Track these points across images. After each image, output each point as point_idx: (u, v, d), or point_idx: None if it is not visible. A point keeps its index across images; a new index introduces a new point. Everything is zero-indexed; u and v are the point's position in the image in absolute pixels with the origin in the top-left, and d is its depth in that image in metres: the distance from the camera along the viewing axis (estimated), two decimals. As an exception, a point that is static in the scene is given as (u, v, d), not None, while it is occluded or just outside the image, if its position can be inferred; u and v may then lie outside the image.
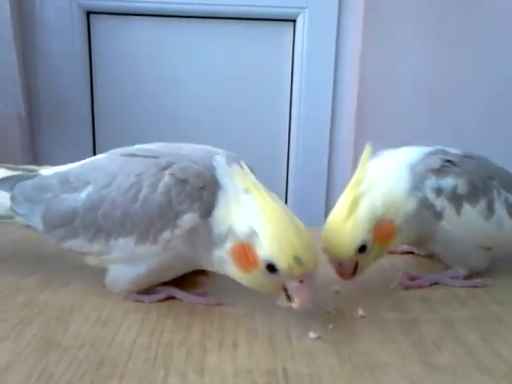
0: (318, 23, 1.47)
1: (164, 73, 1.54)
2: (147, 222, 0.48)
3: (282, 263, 0.44)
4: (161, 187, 0.48)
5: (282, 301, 0.48)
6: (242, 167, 0.49)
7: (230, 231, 0.47)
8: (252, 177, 0.48)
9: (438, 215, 0.56)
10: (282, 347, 0.46)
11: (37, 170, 0.59)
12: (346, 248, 0.51)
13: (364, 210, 0.51)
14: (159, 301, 0.53)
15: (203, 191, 0.48)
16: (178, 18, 1.48)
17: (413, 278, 0.61)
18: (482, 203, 0.57)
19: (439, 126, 1.29)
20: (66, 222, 0.51)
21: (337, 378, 0.41)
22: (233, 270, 0.48)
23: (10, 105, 1.40)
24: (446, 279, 0.60)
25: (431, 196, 0.56)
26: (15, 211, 0.55)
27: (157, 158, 0.50)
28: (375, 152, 0.64)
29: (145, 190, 0.48)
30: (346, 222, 0.50)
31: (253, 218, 0.46)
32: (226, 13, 1.44)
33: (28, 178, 0.56)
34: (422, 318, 0.52)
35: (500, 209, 0.58)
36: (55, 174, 0.55)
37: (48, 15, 1.47)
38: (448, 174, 0.57)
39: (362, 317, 0.52)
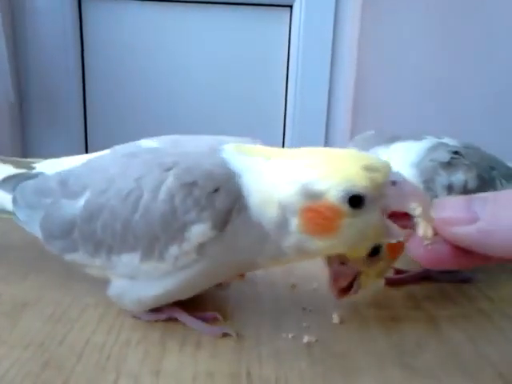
0: (315, 9, 1.44)
1: (158, 59, 1.51)
2: (150, 236, 0.40)
3: (360, 182, 0.35)
4: (163, 193, 0.39)
5: (396, 231, 0.36)
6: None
7: (283, 209, 0.37)
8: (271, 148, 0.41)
9: None
10: (250, 348, 0.42)
11: (36, 163, 0.52)
12: None
13: None
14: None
15: (216, 195, 0.38)
16: (173, 4, 1.44)
17: (398, 272, 0.57)
18: None
19: (437, 115, 1.26)
20: (65, 234, 0.44)
21: (304, 382, 0.38)
22: (320, 244, 0.37)
23: (-1, 91, 1.37)
24: (433, 273, 0.56)
25: (442, 194, 0.51)
26: (16, 216, 0.48)
27: (161, 157, 0.42)
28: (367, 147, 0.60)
29: (146, 197, 0.40)
30: None
31: (295, 172, 0.37)
32: (221, -2, 1.42)
33: (30, 177, 0.49)
34: (405, 315, 0.48)
35: None
36: (57, 174, 0.47)
37: (38, 0, 1.44)
38: (458, 167, 0.52)
39: (340, 320, 0.47)
